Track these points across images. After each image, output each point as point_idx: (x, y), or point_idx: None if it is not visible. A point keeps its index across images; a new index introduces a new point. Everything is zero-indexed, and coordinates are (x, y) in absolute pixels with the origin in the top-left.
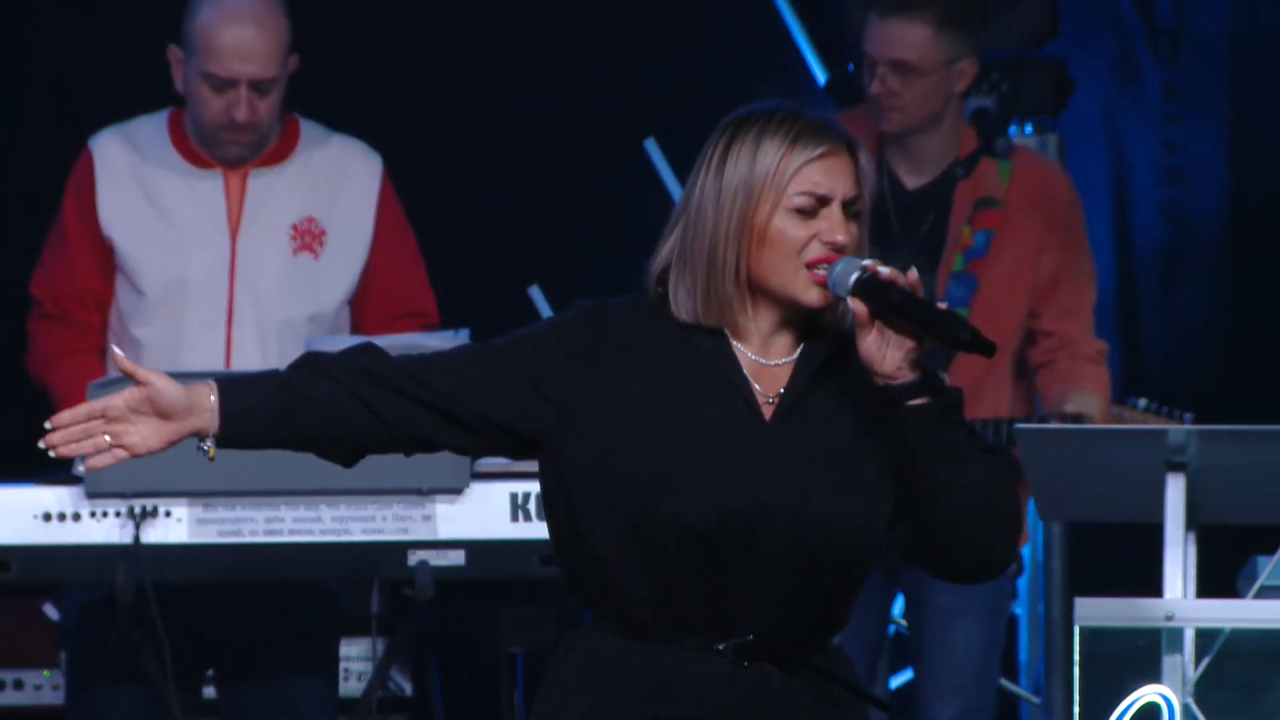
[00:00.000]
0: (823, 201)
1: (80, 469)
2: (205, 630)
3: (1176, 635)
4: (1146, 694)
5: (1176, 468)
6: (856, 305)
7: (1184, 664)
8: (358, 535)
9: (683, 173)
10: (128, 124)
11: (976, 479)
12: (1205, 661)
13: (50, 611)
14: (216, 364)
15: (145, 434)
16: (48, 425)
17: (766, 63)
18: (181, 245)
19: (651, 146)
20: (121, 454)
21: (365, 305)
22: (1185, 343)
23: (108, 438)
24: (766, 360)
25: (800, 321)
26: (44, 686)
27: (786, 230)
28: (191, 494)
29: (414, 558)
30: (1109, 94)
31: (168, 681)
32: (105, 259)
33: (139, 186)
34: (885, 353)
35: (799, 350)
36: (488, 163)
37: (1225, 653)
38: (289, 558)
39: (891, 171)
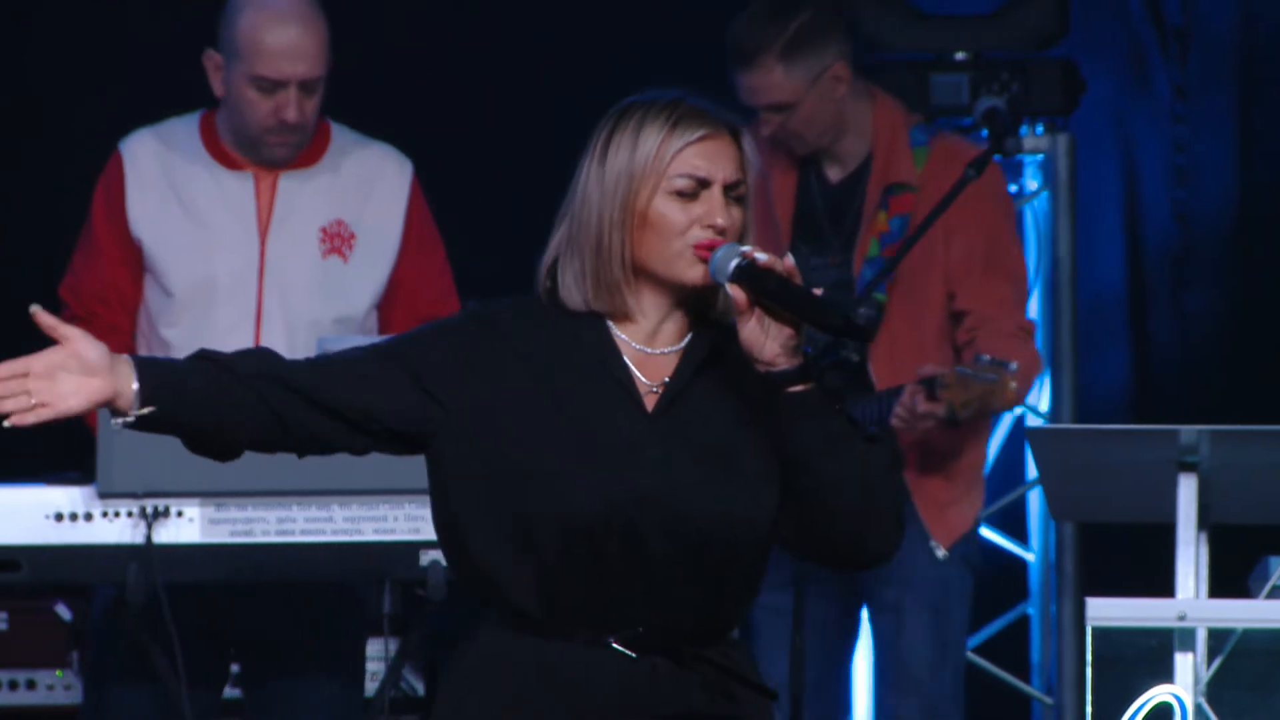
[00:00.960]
0: (703, 184)
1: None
2: (230, 629)
3: (1189, 635)
4: (1159, 694)
5: (1188, 468)
6: (735, 292)
7: (1196, 664)
8: (369, 535)
9: None
10: (159, 125)
11: (856, 468)
12: (1217, 661)
13: (62, 611)
14: None
15: (65, 392)
16: None
17: None
18: (210, 246)
19: None
20: (44, 412)
21: (390, 310)
22: (1195, 342)
23: (30, 397)
24: (652, 349)
25: (690, 309)
26: (56, 686)
27: (667, 213)
28: (203, 494)
29: (426, 558)
30: (1119, 94)
31: (179, 682)
32: (134, 260)
33: (169, 187)
34: (765, 340)
35: (686, 340)
36: (509, 166)
37: (1237, 653)
38: (301, 558)
39: (818, 167)
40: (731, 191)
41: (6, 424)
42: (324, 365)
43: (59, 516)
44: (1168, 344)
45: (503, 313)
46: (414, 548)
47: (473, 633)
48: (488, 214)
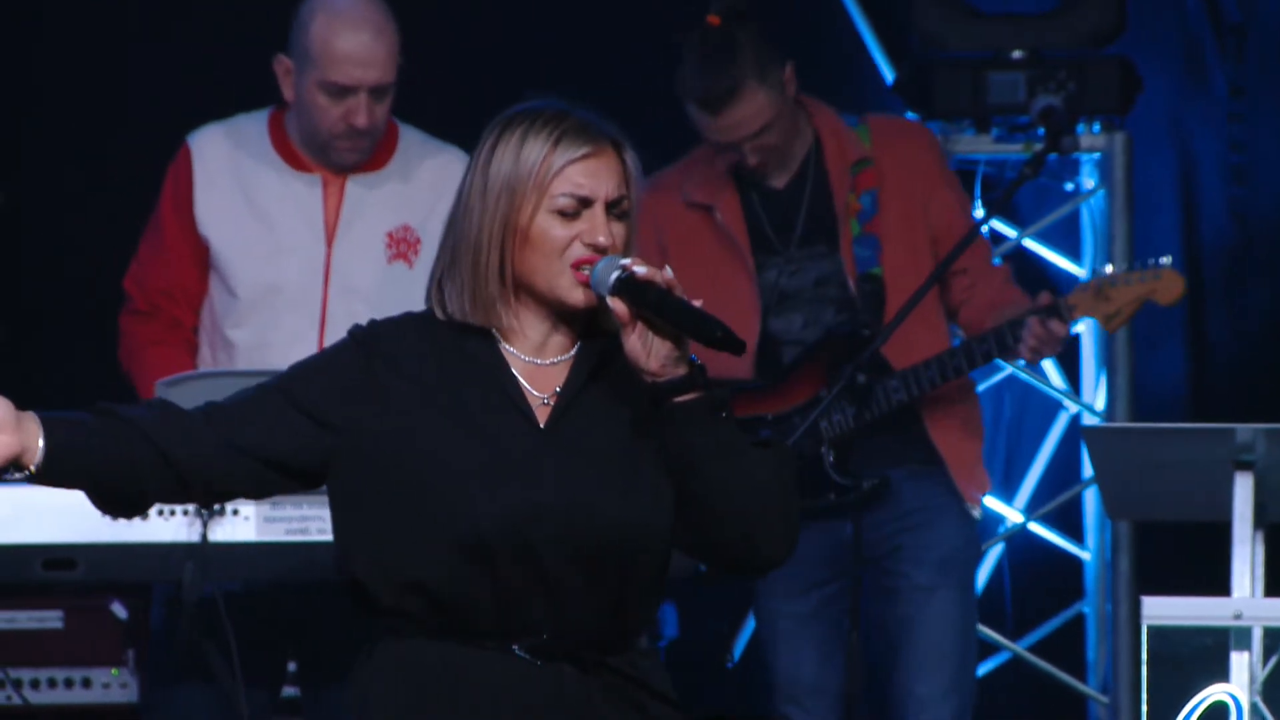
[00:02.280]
0: (585, 203)
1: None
2: (287, 628)
3: (1244, 634)
4: (1214, 693)
5: (1244, 466)
6: (616, 305)
7: (1252, 663)
8: None
9: None
10: (228, 122)
11: (745, 474)
12: (1273, 660)
13: (118, 610)
14: None
15: None
16: None
17: (835, 63)
18: (277, 249)
19: None
20: None
21: None
22: (1252, 340)
23: None
24: (541, 360)
25: (577, 321)
26: (111, 685)
27: (549, 230)
28: None
29: None
30: (1175, 92)
31: (235, 680)
32: (199, 256)
33: (237, 187)
34: (648, 351)
35: (575, 349)
36: None
37: None
38: None
39: (756, 181)
40: (614, 208)
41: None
42: (218, 414)
43: None
44: (1224, 342)
45: (388, 331)
46: None
47: (376, 640)
48: None
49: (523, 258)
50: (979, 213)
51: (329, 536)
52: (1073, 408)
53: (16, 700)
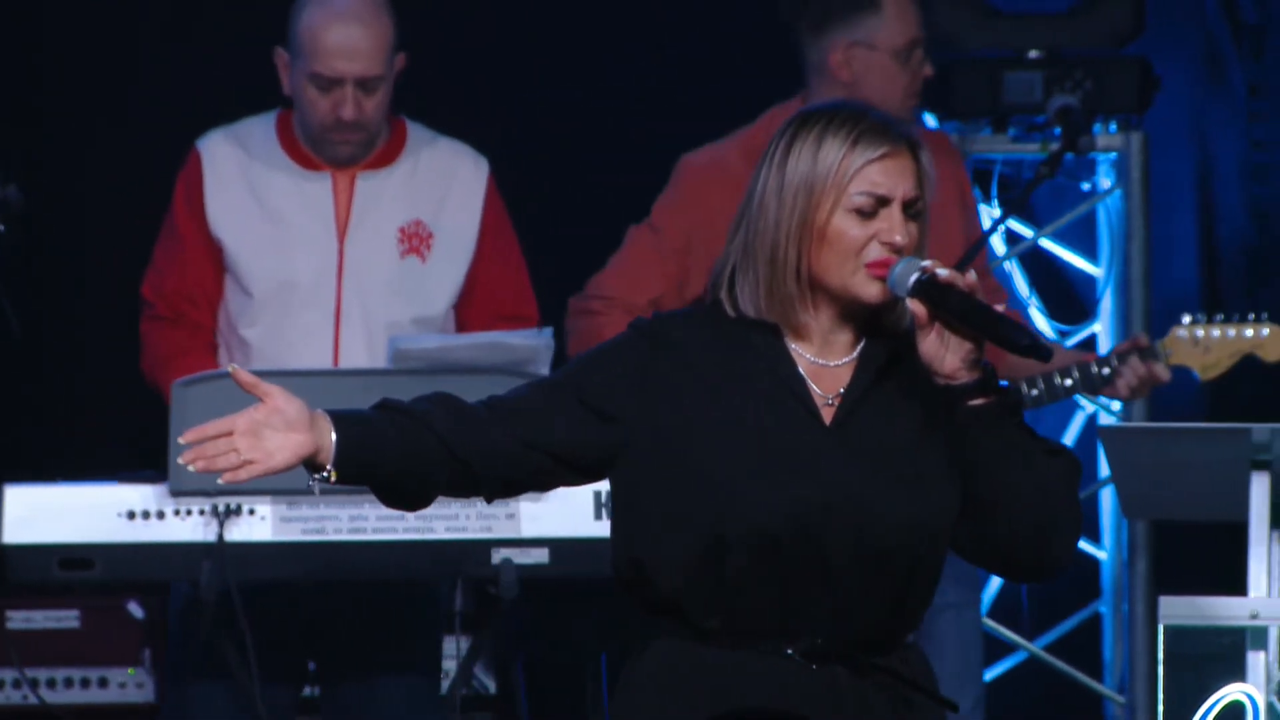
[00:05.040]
0: (882, 202)
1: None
2: (307, 627)
3: (1261, 634)
4: (1231, 693)
5: (1261, 466)
6: (915, 306)
7: (1268, 662)
8: (441, 533)
9: None
10: (236, 125)
11: (1038, 479)
12: None
13: (134, 609)
14: (324, 366)
15: (271, 449)
16: (181, 441)
17: None
18: (289, 247)
19: None
20: (254, 468)
21: (467, 308)
22: None
23: (238, 455)
24: (826, 361)
25: (860, 320)
26: (128, 684)
27: (846, 229)
28: (275, 492)
29: (498, 556)
30: (1194, 92)
31: (251, 680)
32: (215, 259)
33: (247, 188)
34: (945, 353)
35: (859, 350)
36: (505, 166)
37: None
38: (373, 556)
39: None
40: (910, 209)
41: (220, 481)
42: (502, 408)
43: (131, 515)
44: None
45: (673, 325)
46: (486, 546)
47: (646, 643)
48: (580, 213)
49: (818, 256)
50: (995, 212)
51: (345, 536)
52: (1089, 407)
53: (33, 700)
